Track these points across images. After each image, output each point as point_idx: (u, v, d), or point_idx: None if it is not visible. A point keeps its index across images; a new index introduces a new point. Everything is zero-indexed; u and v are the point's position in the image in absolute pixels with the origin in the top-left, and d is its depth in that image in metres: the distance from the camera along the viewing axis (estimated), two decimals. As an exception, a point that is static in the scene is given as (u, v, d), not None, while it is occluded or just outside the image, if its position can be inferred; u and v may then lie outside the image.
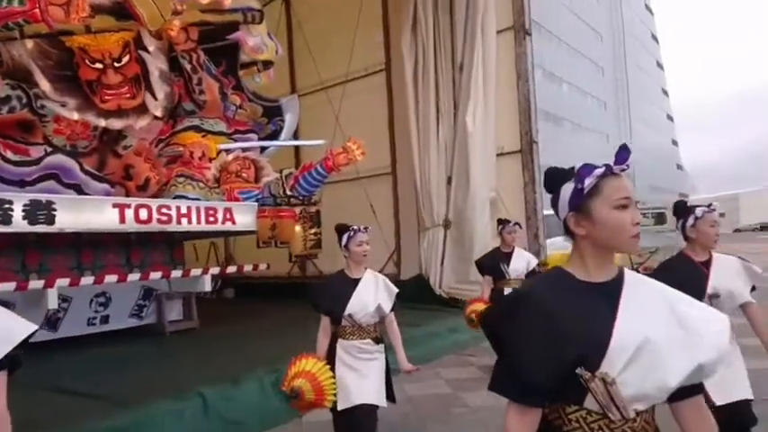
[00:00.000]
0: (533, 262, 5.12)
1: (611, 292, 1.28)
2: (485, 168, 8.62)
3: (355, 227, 3.15)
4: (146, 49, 7.29)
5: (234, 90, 8.56)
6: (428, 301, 8.48)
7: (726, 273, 2.67)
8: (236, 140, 8.44)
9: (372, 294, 3.07)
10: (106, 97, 7.25)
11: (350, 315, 3.01)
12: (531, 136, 8.33)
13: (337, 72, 10.54)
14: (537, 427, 1.28)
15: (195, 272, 7.34)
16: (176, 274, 7.11)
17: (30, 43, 6.42)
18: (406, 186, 9.66)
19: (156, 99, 7.50)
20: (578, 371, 1.20)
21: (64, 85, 6.94)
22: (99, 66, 7.09)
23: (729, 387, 2.47)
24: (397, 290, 3.19)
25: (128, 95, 7.39)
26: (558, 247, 10.76)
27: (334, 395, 2.81)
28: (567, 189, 1.34)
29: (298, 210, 8.09)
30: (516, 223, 5.24)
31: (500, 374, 1.30)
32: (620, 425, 1.22)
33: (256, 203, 7.57)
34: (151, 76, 7.39)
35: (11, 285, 5.58)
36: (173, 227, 6.65)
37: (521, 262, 5.00)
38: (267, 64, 8.69)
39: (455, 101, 8.97)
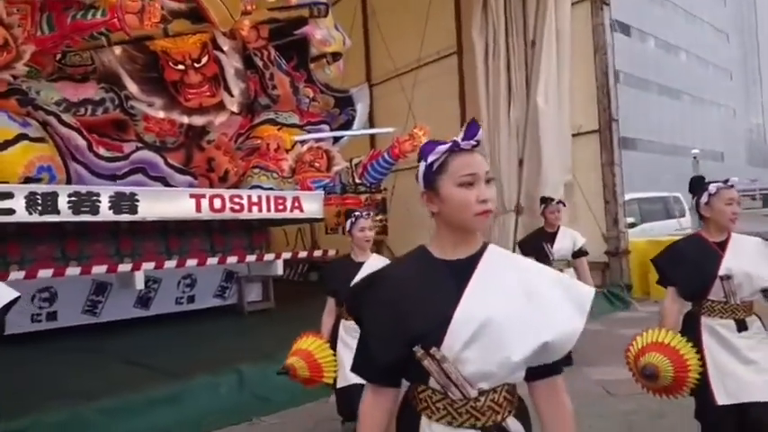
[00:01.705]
0: (580, 241, 4.85)
1: (464, 269, 1.25)
2: (559, 149, 8.20)
3: (358, 213, 3.23)
4: (221, 50, 7.82)
5: (306, 83, 8.91)
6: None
7: (744, 254, 2.41)
8: (308, 131, 8.79)
9: None
10: (189, 96, 7.87)
11: None
12: (611, 113, 7.77)
13: (410, 59, 10.53)
14: (393, 407, 1.31)
15: (269, 257, 7.81)
16: (251, 258, 7.60)
17: (118, 50, 7.16)
18: (478, 171, 9.45)
19: (232, 96, 8.03)
20: (414, 349, 1.18)
21: (151, 86, 7.65)
22: (181, 67, 7.71)
23: (741, 386, 2.28)
24: None
25: (208, 94, 7.98)
26: (653, 234, 10.00)
27: (334, 372, 2.87)
28: (421, 166, 1.31)
29: (363, 197, 8.26)
30: (560, 201, 5.00)
31: (357, 355, 1.33)
32: (461, 404, 1.20)
33: (323, 192, 7.85)
34: (227, 74, 7.91)
35: (103, 268, 6.33)
36: (244, 215, 7.12)
37: (566, 242, 4.79)
38: (336, 56, 8.92)
39: (527, 80, 8.61)
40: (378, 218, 8.17)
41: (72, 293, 6.69)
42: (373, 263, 3.19)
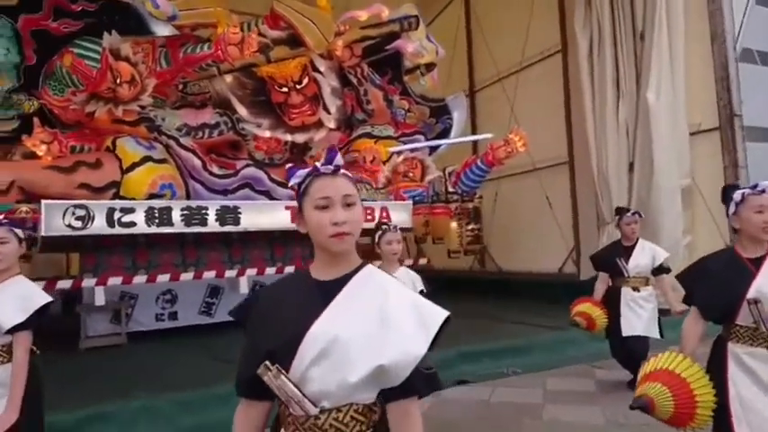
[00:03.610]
0: (661, 256, 4.31)
1: (332, 290, 1.28)
2: (674, 150, 7.36)
3: (385, 226, 3.26)
4: (318, 71, 8.32)
5: (401, 95, 9.11)
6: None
7: None
8: (403, 143, 8.96)
9: None
10: (292, 115, 8.50)
11: None
12: (732, 109, 6.79)
13: (512, 61, 10.21)
14: (262, 420, 1.35)
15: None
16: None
17: (229, 78, 7.97)
18: (584, 177, 8.84)
19: (329, 113, 8.50)
20: (262, 366, 1.22)
21: (258, 108, 8.40)
22: (285, 89, 8.35)
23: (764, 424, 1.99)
24: (422, 288, 3.17)
25: (309, 113, 8.54)
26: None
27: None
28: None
29: (453, 206, 8.17)
30: (636, 212, 4.49)
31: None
32: (304, 421, 1.23)
33: (411, 202, 7.93)
34: (324, 93, 8.39)
35: (212, 273, 7.07)
36: (335, 225, 7.46)
37: (644, 258, 4.30)
38: (429, 66, 8.99)
39: (637, 75, 7.87)
40: (470, 227, 8.03)
41: (191, 296, 7.57)
42: (401, 276, 3.21)
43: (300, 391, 1.21)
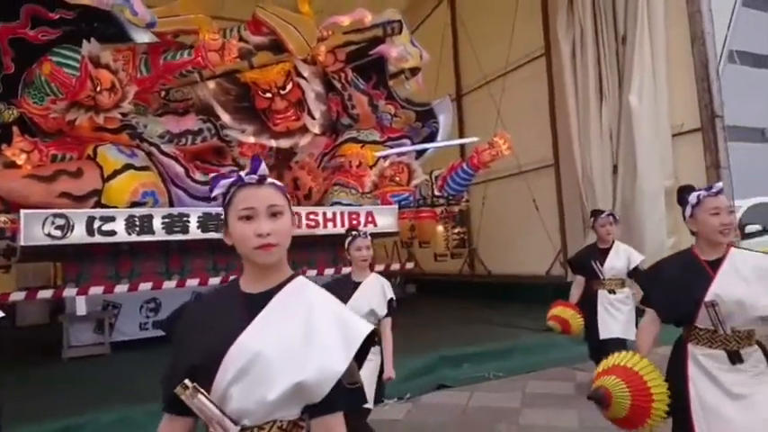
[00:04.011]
0: (636, 259, 4.29)
1: (259, 303, 1.25)
2: (657, 152, 7.37)
3: (355, 232, 3.24)
4: (302, 76, 8.31)
5: (387, 100, 9.10)
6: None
7: (740, 276, 2.02)
8: (389, 147, 8.95)
9: (367, 299, 3.09)
10: (276, 121, 8.49)
11: None
12: (713, 110, 6.82)
13: (498, 65, 10.23)
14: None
15: (346, 270, 8.03)
16: (329, 271, 7.90)
17: (212, 84, 7.95)
18: (569, 179, 8.84)
19: (313, 118, 8.49)
20: (180, 385, 1.18)
21: (242, 114, 8.37)
22: (269, 95, 8.33)
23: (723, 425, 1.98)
24: (391, 296, 3.15)
25: (293, 118, 8.52)
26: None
27: None
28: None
29: (439, 210, 8.17)
30: (610, 214, 4.49)
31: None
32: None
33: (396, 206, 7.92)
34: (308, 98, 8.38)
35: (196, 281, 7.03)
36: (320, 230, 7.45)
37: (619, 260, 4.26)
38: (414, 71, 8.99)
39: (620, 78, 7.90)
40: (456, 231, 8.02)
41: (175, 304, 7.50)
42: (370, 282, 3.18)
43: (220, 410, 1.18)
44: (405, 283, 12.29)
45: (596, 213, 4.54)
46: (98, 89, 6.48)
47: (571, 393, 4.26)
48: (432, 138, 9.48)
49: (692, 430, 2.01)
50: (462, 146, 10.55)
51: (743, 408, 1.94)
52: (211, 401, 1.18)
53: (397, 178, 8.71)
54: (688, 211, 2.14)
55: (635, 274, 4.26)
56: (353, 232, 3.25)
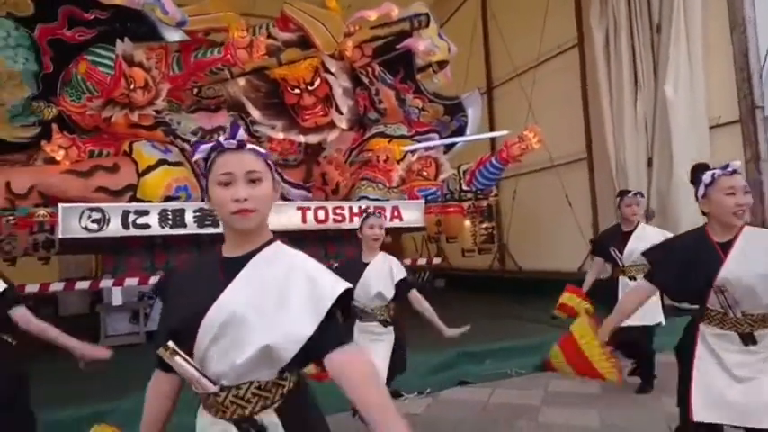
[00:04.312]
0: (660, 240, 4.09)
1: (237, 267, 1.26)
2: (693, 145, 7.12)
3: (370, 212, 3.26)
4: (330, 72, 8.35)
5: (414, 94, 9.06)
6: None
7: (753, 258, 1.94)
8: (417, 141, 8.92)
9: (374, 281, 3.09)
10: (305, 117, 8.56)
11: (359, 300, 3.10)
12: (753, 101, 6.51)
13: (529, 57, 10.05)
14: (169, 391, 1.39)
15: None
16: (355, 266, 7.93)
17: (242, 81, 8.07)
18: (603, 173, 8.63)
19: (341, 114, 8.52)
20: (161, 347, 1.23)
21: (272, 110, 8.49)
22: (297, 91, 8.41)
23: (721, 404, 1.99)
24: (401, 276, 3.11)
25: (321, 113, 8.58)
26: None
27: None
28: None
29: (466, 205, 8.08)
30: (637, 193, 4.31)
31: None
32: (206, 398, 1.25)
33: (423, 201, 7.88)
34: (335, 93, 8.41)
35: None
36: (345, 225, 7.48)
37: (640, 243, 3.94)
38: (442, 64, 8.91)
39: (654, 69, 7.65)
40: (483, 225, 7.93)
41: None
42: (377, 263, 3.14)
43: (198, 370, 1.21)
44: (434, 278, 12.26)
45: (623, 193, 4.39)
46: (132, 87, 6.68)
47: (594, 392, 4.16)
48: (460, 132, 9.40)
49: (690, 409, 1.97)
50: (493, 139, 10.42)
51: (745, 391, 1.90)
52: (189, 362, 1.22)
53: (425, 173, 8.66)
54: (701, 190, 2.07)
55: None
56: (368, 212, 3.27)
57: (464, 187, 8.44)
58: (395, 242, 12.23)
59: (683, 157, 7.12)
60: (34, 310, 2.73)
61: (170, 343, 1.21)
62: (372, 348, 3.07)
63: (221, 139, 1.28)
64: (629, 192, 4.37)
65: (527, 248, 10.23)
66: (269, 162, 1.32)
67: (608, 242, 4.26)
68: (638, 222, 4.22)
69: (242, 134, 1.29)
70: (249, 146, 1.29)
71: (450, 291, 11.73)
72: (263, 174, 1.27)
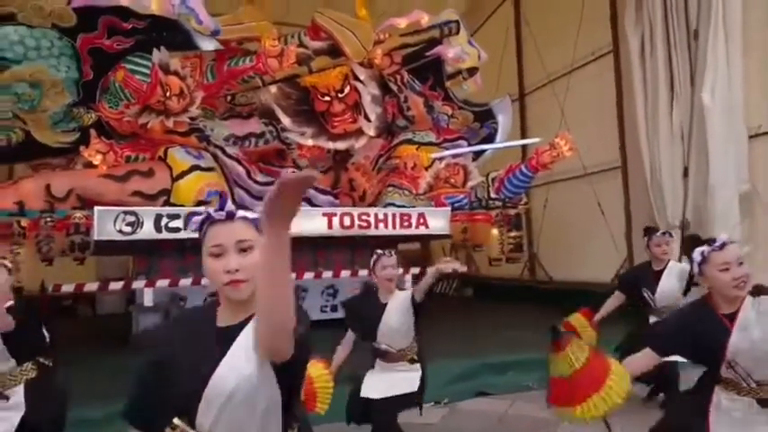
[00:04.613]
0: (687, 274, 3.93)
1: (231, 336, 1.27)
2: (731, 154, 6.85)
3: (380, 251, 3.17)
4: (359, 79, 8.43)
5: (444, 101, 9.04)
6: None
7: (755, 329, 1.87)
8: (445, 149, 8.89)
9: (397, 319, 3.05)
10: (334, 124, 8.65)
11: (383, 342, 3.07)
12: (796, 107, 6.26)
13: (563, 63, 9.90)
14: None
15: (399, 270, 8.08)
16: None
17: (273, 88, 8.23)
18: (637, 182, 8.39)
19: (369, 121, 8.58)
20: (175, 421, 1.24)
21: (302, 117, 8.61)
22: (327, 98, 8.52)
23: None
24: (413, 297, 3.06)
25: (350, 120, 8.66)
26: None
27: (327, 403, 2.67)
28: None
29: (494, 213, 7.99)
30: (666, 232, 4.14)
31: (129, 402, 1.36)
32: None
33: (449, 208, 7.85)
34: (364, 101, 8.49)
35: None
36: (371, 231, 7.52)
37: (669, 282, 3.88)
38: (471, 71, 8.87)
39: (691, 76, 7.42)
40: (511, 234, 7.83)
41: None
42: (398, 301, 3.07)
43: None
44: (461, 287, 12.17)
45: (650, 231, 4.20)
46: (168, 94, 6.90)
47: (617, 408, 4.04)
48: (490, 139, 9.32)
49: None
50: (524, 147, 10.29)
51: None
52: None
53: (453, 180, 8.62)
54: (695, 268, 2.00)
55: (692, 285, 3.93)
56: (378, 251, 3.19)
57: (492, 195, 8.36)
58: (423, 249, 12.22)
59: (721, 167, 6.87)
60: (72, 308, 2.83)
61: (176, 420, 1.23)
62: (401, 377, 3.05)
63: (211, 210, 1.31)
64: (657, 230, 4.20)
65: (558, 258, 10.04)
66: (258, 230, 1.31)
67: (638, 282, 4.11)
68: (669, 261, 4.06)
69: (230, 205, 1.31)
70: (239, 214, 1.31)
71: (478, 300, 11.62)
72: (254, 242, 1.28)
